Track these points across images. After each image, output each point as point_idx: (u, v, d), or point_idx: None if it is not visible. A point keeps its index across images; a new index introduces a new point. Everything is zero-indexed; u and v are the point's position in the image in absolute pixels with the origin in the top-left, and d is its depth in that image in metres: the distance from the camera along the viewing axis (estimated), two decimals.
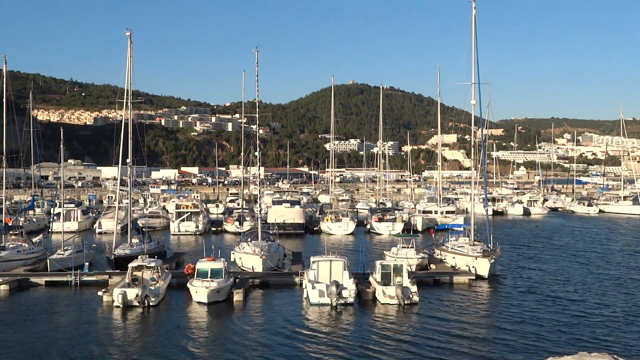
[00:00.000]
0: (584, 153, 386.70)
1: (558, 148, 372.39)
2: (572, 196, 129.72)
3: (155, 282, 35.58)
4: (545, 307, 34.18)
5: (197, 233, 70.41)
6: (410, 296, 34.30)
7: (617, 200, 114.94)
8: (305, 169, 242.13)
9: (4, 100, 49.65)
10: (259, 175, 65.91)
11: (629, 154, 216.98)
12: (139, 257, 38.51)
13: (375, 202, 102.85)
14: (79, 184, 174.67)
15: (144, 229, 55.01)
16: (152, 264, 36.78)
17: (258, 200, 66.66)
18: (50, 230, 63.14)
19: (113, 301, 33.70)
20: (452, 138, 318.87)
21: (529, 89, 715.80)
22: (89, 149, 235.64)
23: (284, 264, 45.98)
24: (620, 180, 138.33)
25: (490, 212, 53.75)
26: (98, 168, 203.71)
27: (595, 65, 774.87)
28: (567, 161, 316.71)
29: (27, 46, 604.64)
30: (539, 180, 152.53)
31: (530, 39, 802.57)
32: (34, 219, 75.30)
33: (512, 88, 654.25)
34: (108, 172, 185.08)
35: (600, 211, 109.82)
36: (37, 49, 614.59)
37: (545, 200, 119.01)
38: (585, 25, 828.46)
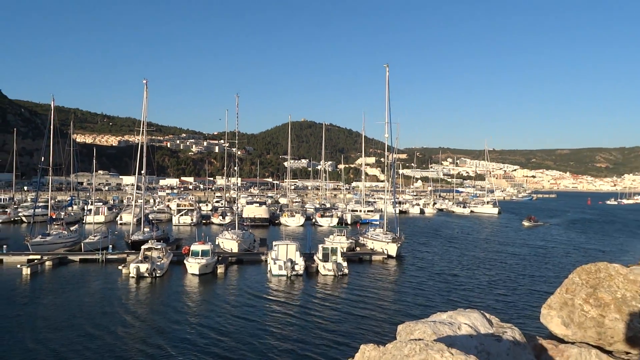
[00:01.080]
0: (461, 172, 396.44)
1: (444, 168, 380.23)
2: (452, 201, 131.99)
3: (161, 259, 35.02)
4: (433, 278, 34.81)
5: (192, 224, 69.19)
6: (343, 270, 34.57)
7: (483, 204, 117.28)
8: (270, 179, 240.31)
9: (51, 127, 47.89)
10: (237, 183, 65.46)
11: (490, 172, 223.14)
12: (149, 241, 38.00)
13: (319, 203, 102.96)
14: (106, 188, 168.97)
15: (153, 221, 53.98)
16: (159, 246, 36.32)
17: (236, 201, 66.11)
18: (84, 221, 61.50)
19: (129, 273, 32.98)
20: (372, 160, 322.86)
21: (425, 127, 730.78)
22: (114, 164, 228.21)
23: (254, 246, 45.60)
24: (485, 190, 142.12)
25: (397, 211, 54.27)
26: (120, 177, 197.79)
27: (469, 112, 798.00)
28: (449, 177, 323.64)
29: (69, 87, 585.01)
30: (431, 190, 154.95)
31: (425, 93, 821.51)
32: (72, 213, 72.45)
33: (413, 126, 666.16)
34: (128, 180, 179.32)
35: (471, 211, 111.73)
36: (78, 89, 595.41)
37: (434, 203, 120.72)
38: (460, 86, 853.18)
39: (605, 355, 4.85)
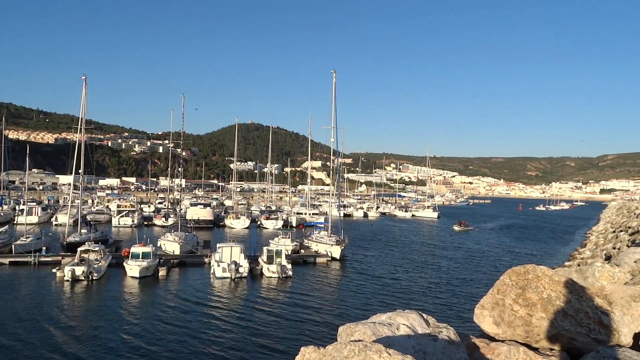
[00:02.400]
0: (403, 177, 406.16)
1: (387, 173, 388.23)
2: (395, 205, 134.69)
3: (98, 262, 33.56)
4: (375, 280, 35.40)
5: (133, 226, 66.79)
6: (287, 272, 34.49)
7: (423, 209, 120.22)
8: (215, 181, 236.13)
9: None
10: (181, 184, 63.80)
11: (431, 178, 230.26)
12: (86, 243, 36.31)
13: (264, 206, 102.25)
14: (41, 187, 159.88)
15: (91, 222, 51.66)
16: (96, 248, 34.83)
17: (180, 202, 64.48)
18: (15, 222, 57.86)
19: (64, 276, 31.34)
20: (318, 164, 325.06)
21: (370, 133, 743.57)
22: (49, 162, 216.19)
23: (197, 248, 44.65)
24: (426, 195, 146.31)
25: (342, 215, 54.88)
26: (57, 176, 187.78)
27: (412, 119, 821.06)
28: (392, 182, 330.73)
29: (2, 79, 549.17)
30: (374, 194, 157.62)
31: (370, 99, 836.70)
32: (2, 214, 68.05)
33: (359, 131, 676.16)
34: (64, 179, 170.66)
35: (413, 215, 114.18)
36: (11, 81, 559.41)
37: (378, 207, 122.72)
38: (404, 93, 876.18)
39: (532, 352, 5.08)
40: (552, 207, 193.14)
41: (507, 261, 45.33)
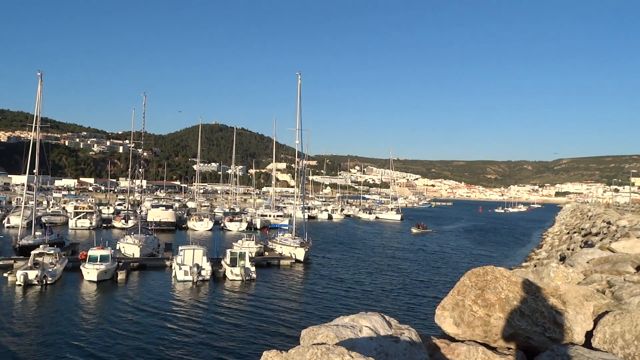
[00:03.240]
0: (367, 179, 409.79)
1: (351, 175, 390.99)
2: (359, 207, 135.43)
3: (53, 266, 32.32)
4: (339, 282, 35.54)
5: (91, 228, 64.86)
6: (250, 274, 34.23)
7: (387, 211, 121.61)
8: (178, 182, 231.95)
9: None
10: (142, 185, 62.35)
11: (394, 181, 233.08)
12: (41, 245, 34.93)
13: (228, 208, 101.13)
14: None
15: (46, 224, 49.71)
16: (51, 251, 33.61)
17: (140, 204, 63.03)
18: None
19: (16, 281, 30.04)
20: (283, 165, 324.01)
21: (335, 135, 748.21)
22: (1, 161, 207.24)
23: (158, 251, 43.72)
24: (389, 198, 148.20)
25: (306, 217, 54.88)
26: (9, 176, 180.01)
27: (375, 122, 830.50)
28: (357, 184, 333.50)
29: None
30: (339, 196, 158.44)
31: (336, 102, 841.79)
32: None
33: (324, 133, 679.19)
34: (17, 179, 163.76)
35: (376, 217, 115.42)
36: None
37: (342, 209, 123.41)
38: (368, 96, 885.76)
39: (490, 351, 5.20)
40: (511, 210, 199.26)
41: (468, 263, 46.40)
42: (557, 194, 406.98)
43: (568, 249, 33.31)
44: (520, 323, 5.27)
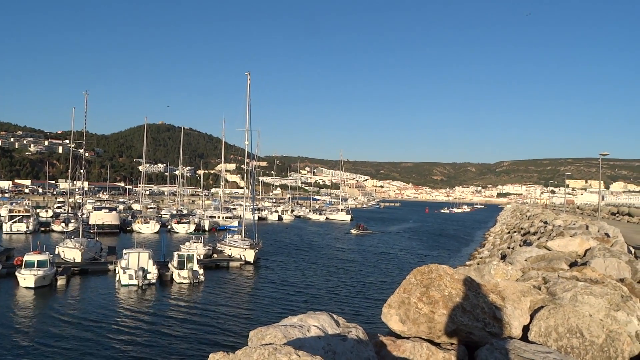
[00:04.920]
0: (318, 180, 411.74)
1: (302, 176, 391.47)
2: (309, 208, 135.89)
3: None
4: (289, 283, 35.51)
5: (28, 232, 61.42)
6: (199, 277, 33.63)
7: (337, 212, 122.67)
8: (122, 184, 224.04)
9: None
10: (84, 187, 59.88)
11: (344, 182, 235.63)
12: None
13: (176, 210, 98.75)
14: None
15: None
16: None
17: (82, 206, 60.46)
18: None
19: None
20: (232, 166, 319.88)
21: (285, 136, 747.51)
22: None
23: (101, 255, 42.08)
24: (339, 199, 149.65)
25: (256, 218, 54.48)
26: None
27: (325, 124, 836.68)
28: (307, 185, 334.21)
29: None
30: (289, 197, 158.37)
31: (286, 102, 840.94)
32: None
33: (275, 134, 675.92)
34: None
35: (327, 218, 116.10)
36: None
37: (292, 210, 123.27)
38: (319, 97, 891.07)
39: (434, 347, 5.37)
40: (456, 210, 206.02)
41: (414, 262, 47.52)
42: (499, 195, 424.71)
43: (509, 248, 34.81)
44: (462, 319, 5.47)
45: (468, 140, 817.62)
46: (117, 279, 33.01)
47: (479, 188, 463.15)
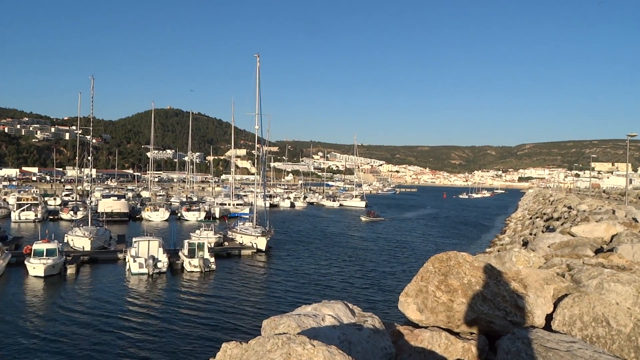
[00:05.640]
0: (331, 165, 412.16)
1: (314, 162, 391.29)
2: (322, 194, 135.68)
3: None
4: (302, 271, 35.72)
5: (36, 220, 62.55)
6: (210, 265, 33.99)
7: (351, 198, 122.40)
8: (130, 171, 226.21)
9: None
10: (91, 174, 60.63)
11: (358, 167, 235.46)
12: None
13: (185, 197, 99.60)
14: None
15: None
16: None
17: (90, 194, 61.24)
18: None
19: None
20: (242, 152, 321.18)
21: (297, 120, 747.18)
22: None
23: (111, 243, 42.72)
24: (353, 184, 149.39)
25: (268, 205, 54.71)
26: None
27: (338, 107, 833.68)
28: (320, 170, 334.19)
29: None
30: (302, 184, 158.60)
31: (297, 85, 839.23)
32: None
33: (286, 118, 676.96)
34: None
35: (340, 205, 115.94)
36: None
37: (305, 197, 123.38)
38: (335, 82, 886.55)
39: (453, 336, 5.37)
40: (475, 195, 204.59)
41: (432, 250, 47.48)
42: (520, 179, 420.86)
43: (530, 234, 34.58)
44: (482, 308, 5.45)
45: (488, 122, 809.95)
46: (127, 267, 33.51)
47: (500, 172, 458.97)
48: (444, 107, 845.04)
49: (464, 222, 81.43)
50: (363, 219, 79.36)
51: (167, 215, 69.07)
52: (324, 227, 67.68)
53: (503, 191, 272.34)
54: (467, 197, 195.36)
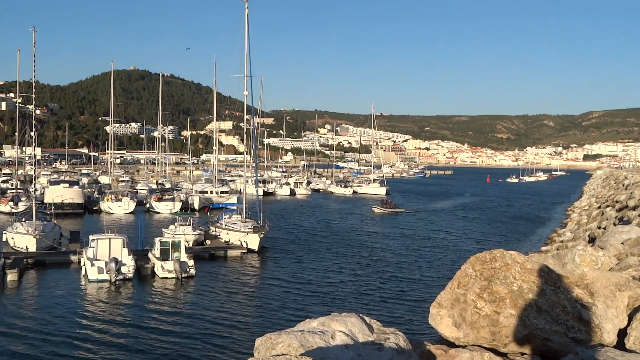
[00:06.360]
0: (341, 142, 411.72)
1: (320, 137, 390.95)
2: (331, 179, 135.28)
3: None
4: (304, 276, 35.89)
5: None
6: (188, 270, 34.26)
7: (368, 183, 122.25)
8: (85, 150, 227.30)
9: None
10: (35, 155, 60.87)
11: (377, 143, 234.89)
12: None
13: (155, 183, 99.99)
14: None
15: None
16: None
17: (34, 180, 61.57)
18: None
19: None
20: (228, 125, 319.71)
21: (297, 84, 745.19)
22: None
23: (62, 243, 43.08)
24: (371, 166, 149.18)
25: (261, 193, 54.89)
26: None
27: (350, 67, 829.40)
28: (327, 148, 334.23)
29: None
30: (304, 165, 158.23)
31: (299, 40, 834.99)
32: None
33: (282, 82, 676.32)
34: None
35: (354, 192, 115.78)
36: None
37: (309, 182, 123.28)
38: (347, 35, 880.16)
39: (499, 358, 5.39)
40: (527, 179, 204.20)
41: (472, 249, 47.50)
42: (586, 157, 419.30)
43: (599, 228, 34.53)
44: (536, 321, 5.46)
45: (544, 85, 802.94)
46: (82, 273, 33.84)
47: (559, 149, 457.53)
48: (487, 65, 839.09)
49: (514, 214, 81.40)
50: (376, 210, 79.05)
51: (132, 206, 69.45)
52: (333, 221, 67.82)
53: (563, 173, 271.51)
54: (517, 180, 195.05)
